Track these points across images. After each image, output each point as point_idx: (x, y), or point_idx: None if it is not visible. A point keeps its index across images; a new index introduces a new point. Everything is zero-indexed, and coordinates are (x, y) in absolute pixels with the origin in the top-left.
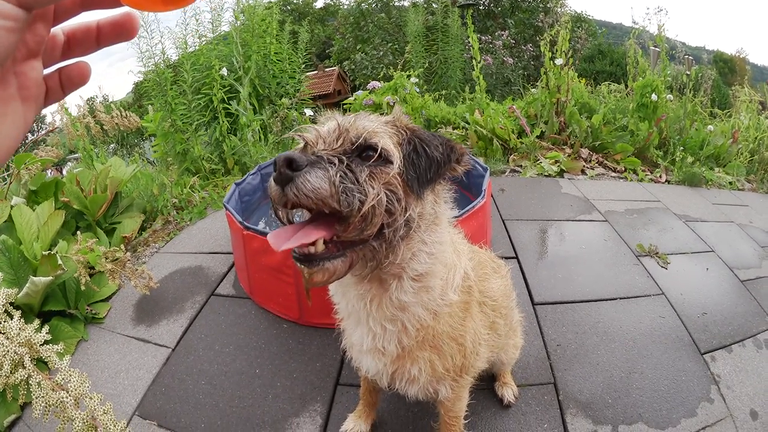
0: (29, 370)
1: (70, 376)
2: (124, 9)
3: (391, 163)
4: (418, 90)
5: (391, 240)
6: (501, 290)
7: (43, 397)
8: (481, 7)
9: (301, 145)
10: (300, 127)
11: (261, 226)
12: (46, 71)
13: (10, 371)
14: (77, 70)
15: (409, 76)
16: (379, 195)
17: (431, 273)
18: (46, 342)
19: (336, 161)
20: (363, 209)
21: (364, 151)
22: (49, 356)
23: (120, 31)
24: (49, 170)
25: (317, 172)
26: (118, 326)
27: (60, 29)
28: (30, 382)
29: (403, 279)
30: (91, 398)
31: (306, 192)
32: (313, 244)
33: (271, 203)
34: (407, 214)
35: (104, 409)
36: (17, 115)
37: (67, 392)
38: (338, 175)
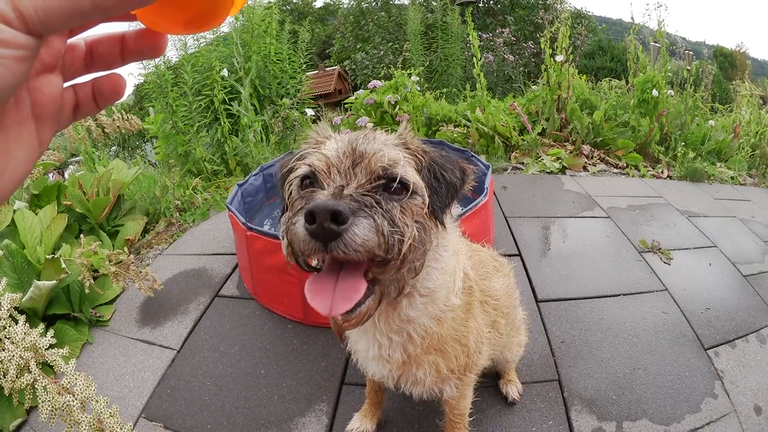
0: (35, 374)
1: (76, 379)
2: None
3: (420, 195)
4: (419, 88)
5: (419, 269)
6: (503, 289)
7: (49, 401)
8: (480, 5)
9: (302, 171)
10: (304, 153)
11: (266, 227)
12: (71, 83)
13: (16, 376)
14: (109, 82)
15: (409, 75)
16: (413, 232)
17: (440, 286)
18: (51, 346)
19: (374, 203)
20: (403, 250)
21: (392, 183)
22: (55, 360)
23: (144, 48)
24: (51, 174)
25: (363, 222)
26: (122, 329)
27: (81, 39)
28: (36, 386)
29: (414, 297)
30: (97, 401)
31: (356, 247)
32: None
33: (292, 252)
34: (434, 242)
35: (110, 412)
36: (32, 136)
37: (73, 396)
38: (385, 224)
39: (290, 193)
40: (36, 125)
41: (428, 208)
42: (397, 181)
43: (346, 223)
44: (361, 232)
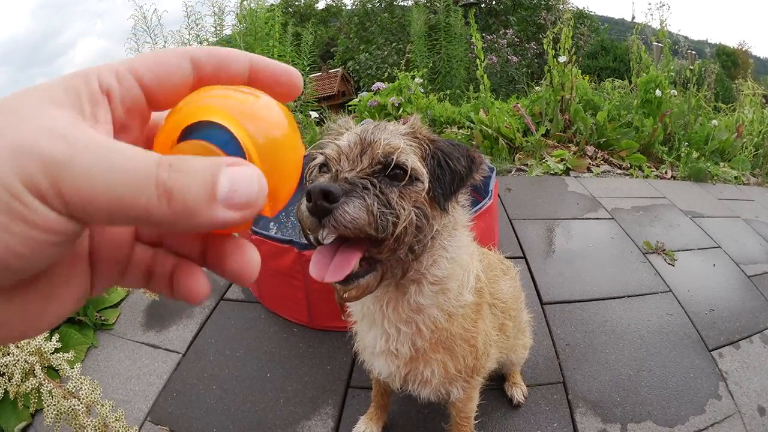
0: (40, 378)
1: (82, 383)
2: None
3: (420, 181)
4: (422, 90)
5: (418, 252)
6: (510, 292)
7: (54, 405)
8: (482, 6)
9: (320, 159)
10: (319, 143)
11: (272, 231)
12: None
13: (21, 380)
14: (186, 286)
15: (413, 77)
16: (410, 215)
17: (450, 276)
18: (56, 350)
19: (369, 185)
20: (396, 231)
21: (392, 170)
22: (60, 364)
23: (230, 273)
24: None
25: (355, 201)
26: (128, 332)
27: None
28: (41, 390)
29: (423, 284)
30: (102, 405)
31: (345, 223)
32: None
33: (302, 228)
34: (435, 229)
35: (116, 416)
36: (83, 278)
37: (79, 400)
38: (375, 203)
39: (308, 179)
40: (90, 266)
41: (430, 194)
42: (393, 165)
43: (337, 202)
44: (351, 209)
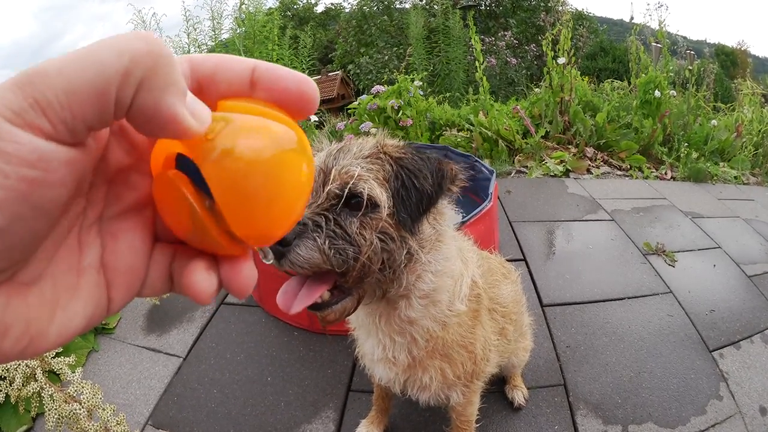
0: (41, 382)
1: (83, 387)
2: None
3: (381, 207)
4: (422, 93)
5: (394, 272)
6: (511, 296)
7: (55, 409)
8: (482, 8)
9: None
10: None
11: None
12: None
13: (22, 384)
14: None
15: (412, 80)
16: (372, 244)
17: (438, 289)
18: (57, 354)
19: (323, 222)
20: (358, 264)
21: (352, 199)
22: (61, 368)
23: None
24: None
25: (306, 242)
26: (128, 336)
27: None
28: (42, 394)
29: (411, 298)
30: (103, 409)
31: (300, 263)
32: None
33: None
34: (406, 249)
35: (117, 420)
36: (95, 289)
37: (80, 404)
38: (327, 241)
39: None
40: (106, 277)
41: (394, 218)
42: (346, 196)
43: (289, 245)
44: (303, 251)
